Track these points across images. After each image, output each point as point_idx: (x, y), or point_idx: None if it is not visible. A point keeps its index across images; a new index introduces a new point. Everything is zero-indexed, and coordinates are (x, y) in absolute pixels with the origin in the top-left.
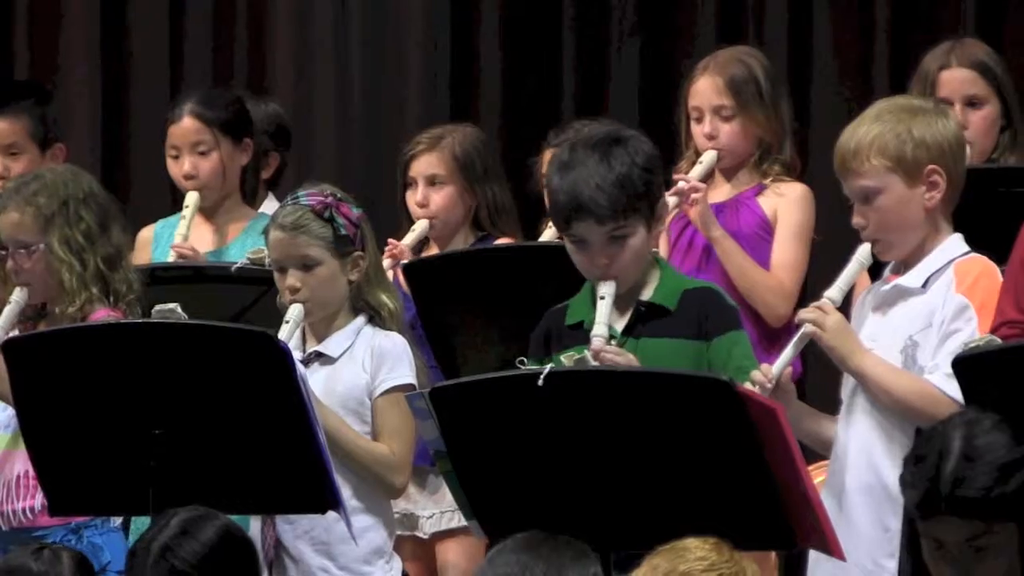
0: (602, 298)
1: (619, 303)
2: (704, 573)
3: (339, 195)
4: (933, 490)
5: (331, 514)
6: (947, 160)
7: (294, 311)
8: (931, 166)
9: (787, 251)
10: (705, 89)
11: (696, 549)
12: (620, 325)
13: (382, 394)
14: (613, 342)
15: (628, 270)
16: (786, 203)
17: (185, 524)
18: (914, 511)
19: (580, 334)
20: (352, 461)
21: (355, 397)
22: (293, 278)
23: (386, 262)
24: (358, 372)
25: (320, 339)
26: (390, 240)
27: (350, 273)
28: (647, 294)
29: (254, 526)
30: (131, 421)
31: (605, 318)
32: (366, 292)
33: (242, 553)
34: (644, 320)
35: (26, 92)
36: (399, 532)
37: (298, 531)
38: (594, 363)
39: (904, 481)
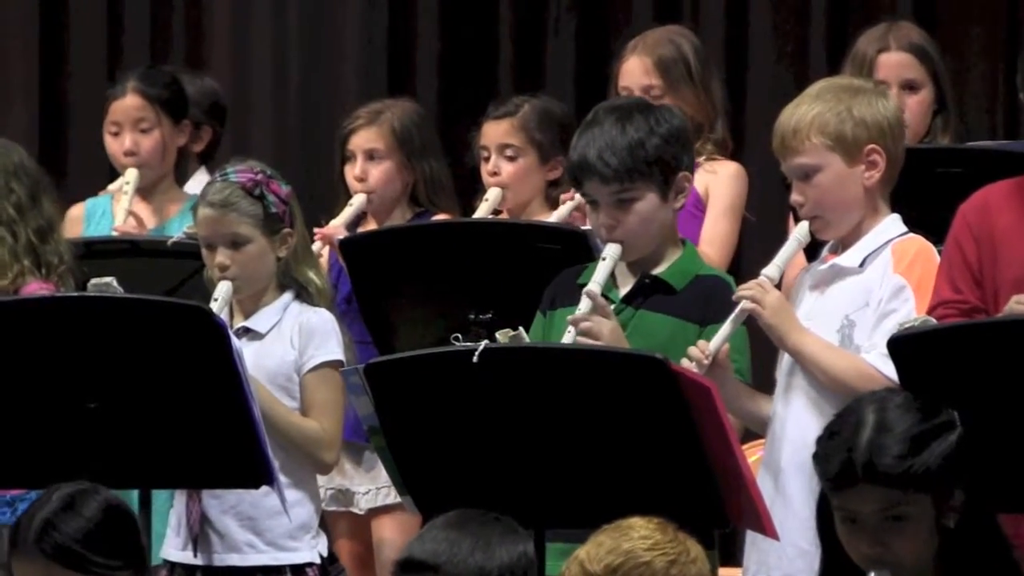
0: (603, 259)
1: (631, 272)
2: (647, 552)
3: (268, 172)
4: (849, 460)
5: (258, 490)
6: (886, 139)
7: (222, 288)
8: (870, 145)
9: (716, 227)
10: (634, 69)
11: (640, 528)
12: (623, 292)
13: (311, 370)
14: (611, 307)
15: (636, 236)
16: (718, 180)
17: (67, 499)
18: (828, 485)
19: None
20: (283, 437)
21: (283, 373)
22: (222, 256)
23: (317, 244)
24: (286, 348)
25: (247, 315)
26: (316, 229)
27: (279, 250)
28: (658, 269)
29: (179, 501)
30: (66, 395)
31: (601, 278)
32: (293, 268)
33: (125, 527)
34: (647, 293)
35: None
36: (335, 508)
37: (224, 506)
38: (526, 338)
39: (818, 456)
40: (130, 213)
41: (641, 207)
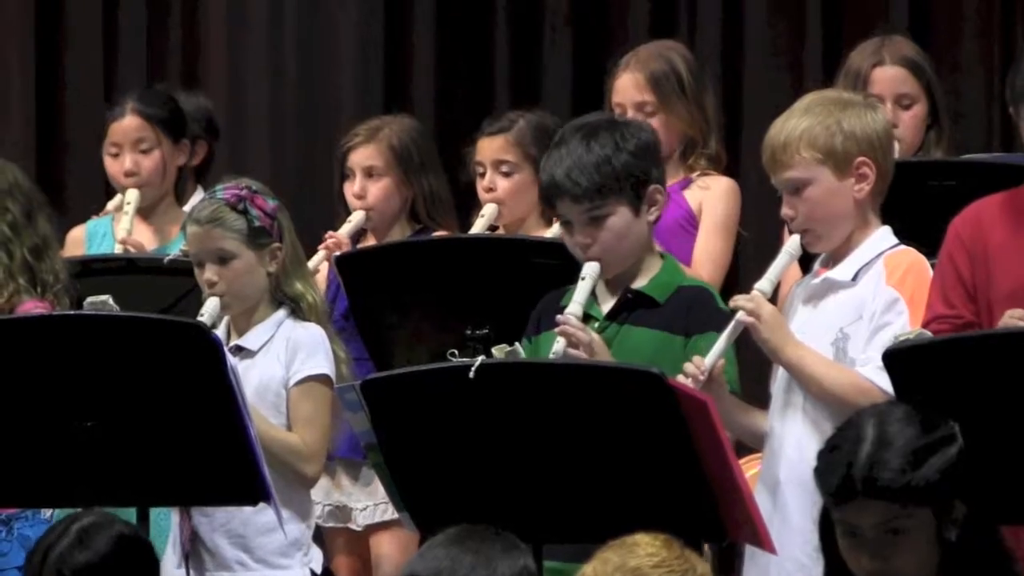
0: (582, 278)
1: (611, 288)
2: (654, 569)
3: (255, 187)
4: (848, 475)
5: (248, 508)
6: (876, 152)
7: (209, 304)
8: (861, 158)
9: (710, 244)
10: (626, 85)
11: (646, 545)
12: (606, 309)
13: (296, 384)
14: (595, 324)
15: (612, 252)
16: (711, 196)
17: (80, 533)
18: (829, 499)
19: None
20: (264, 451)
21: (272, 389)
22: (210, 272)
23: (321, 253)
24: (274, 364)
25: (241, 333)
26: (324, 243)
27: (268, 265)
28: (640, 283)
29: (173, 520)
30: (62, 413)
31: (582, 298)
32: (284, 284)
33: (138, 559)
34: (630, 308)
35: None
36: (332, 524)
37: (215, 524)
38: (522, 353)
39: (819, 470)
40: (129, 235)
41: (614, 222)
